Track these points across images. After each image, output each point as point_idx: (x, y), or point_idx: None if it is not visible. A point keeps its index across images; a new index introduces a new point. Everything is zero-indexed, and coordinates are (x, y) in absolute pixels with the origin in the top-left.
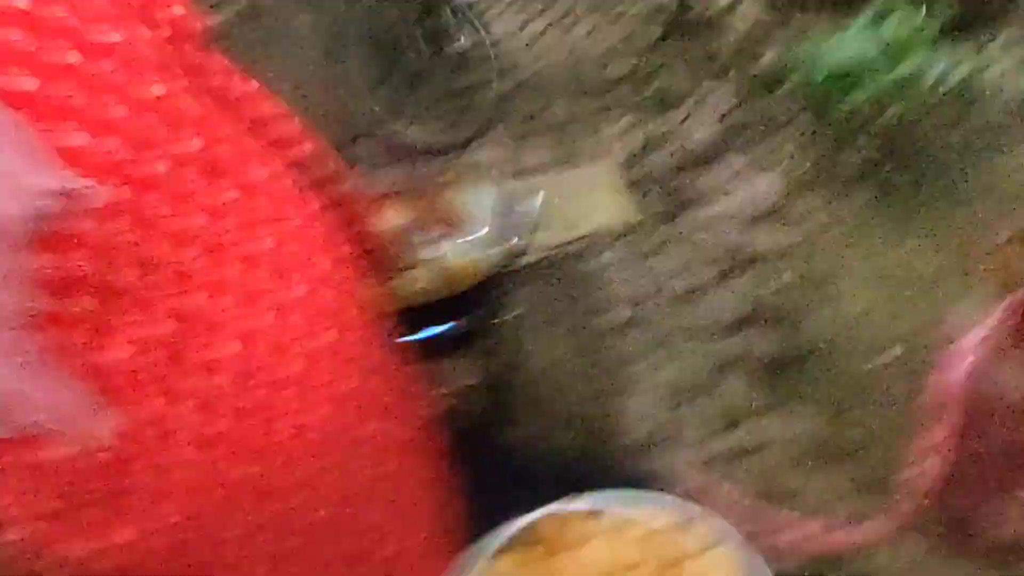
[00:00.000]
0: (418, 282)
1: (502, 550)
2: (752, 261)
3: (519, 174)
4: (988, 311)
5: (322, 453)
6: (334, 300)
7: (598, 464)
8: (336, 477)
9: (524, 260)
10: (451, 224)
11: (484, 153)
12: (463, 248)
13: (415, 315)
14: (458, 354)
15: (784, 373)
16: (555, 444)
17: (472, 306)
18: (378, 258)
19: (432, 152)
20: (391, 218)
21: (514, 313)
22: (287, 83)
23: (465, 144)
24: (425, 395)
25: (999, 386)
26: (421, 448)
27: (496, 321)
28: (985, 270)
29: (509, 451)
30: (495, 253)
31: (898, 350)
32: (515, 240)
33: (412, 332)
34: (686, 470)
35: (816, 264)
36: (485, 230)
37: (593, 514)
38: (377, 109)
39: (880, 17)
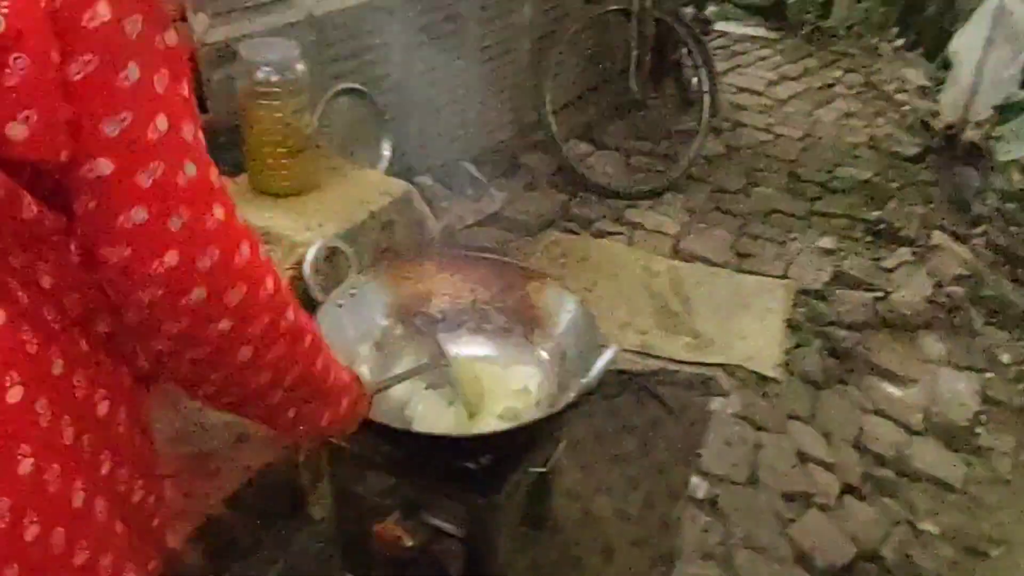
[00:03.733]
0: None
1: None
2: (895, 484)
3: (679, 255)
4: None
5: None
6: None
7: None
8: None
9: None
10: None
11: (653, 215)
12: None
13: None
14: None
15: None
16: None
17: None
18: None
19: (604, 191)
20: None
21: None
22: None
23: (638, 196)
24: None
25: None
26: None
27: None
28: None
29: None
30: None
31: None
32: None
33: None
34: None
35: (979, 524)
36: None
37: None
38: (555, 127)
39: None
